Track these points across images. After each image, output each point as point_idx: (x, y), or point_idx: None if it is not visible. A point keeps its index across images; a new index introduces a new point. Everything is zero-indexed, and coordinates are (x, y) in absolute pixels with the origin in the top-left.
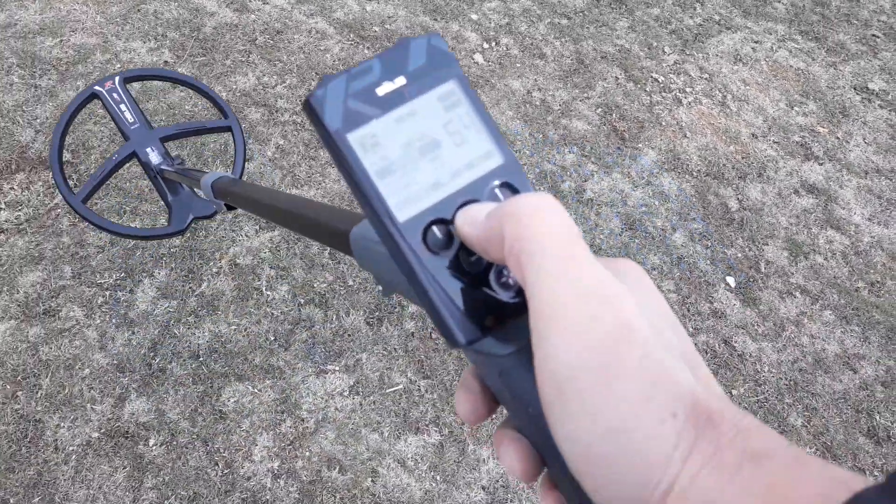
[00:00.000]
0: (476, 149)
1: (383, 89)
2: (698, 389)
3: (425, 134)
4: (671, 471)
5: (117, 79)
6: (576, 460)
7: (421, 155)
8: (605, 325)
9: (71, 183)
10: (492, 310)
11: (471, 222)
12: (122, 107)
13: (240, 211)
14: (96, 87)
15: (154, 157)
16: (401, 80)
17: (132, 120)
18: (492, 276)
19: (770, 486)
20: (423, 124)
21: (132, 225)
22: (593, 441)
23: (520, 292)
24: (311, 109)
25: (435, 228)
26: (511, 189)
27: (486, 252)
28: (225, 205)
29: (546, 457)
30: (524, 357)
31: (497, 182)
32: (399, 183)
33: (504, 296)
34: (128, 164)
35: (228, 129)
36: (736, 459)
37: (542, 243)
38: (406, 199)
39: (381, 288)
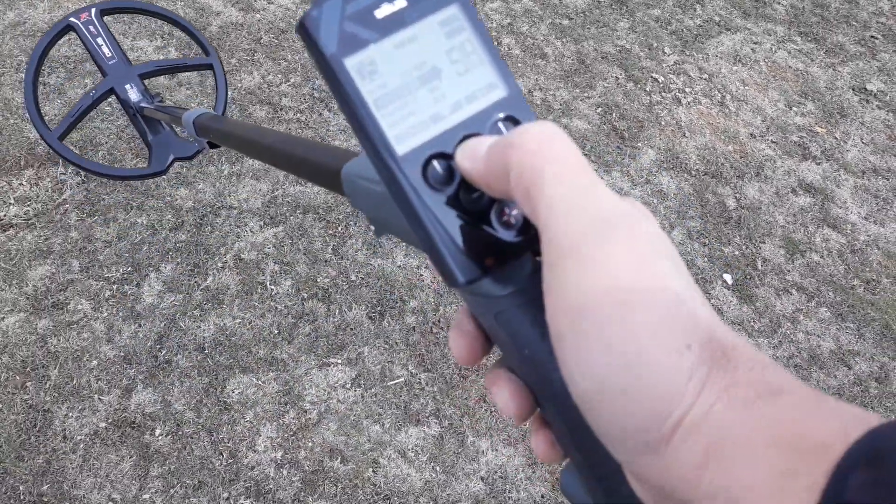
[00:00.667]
0: (479, 79)
1: (382, 11)
2: (714, 322)
3: (426, 61)
4: (684, 403)
5: (93, 10)
6: (585, 394)
7: (421, 84)
8: (623, 253)
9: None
10: (492, 249)
11: (471, 156)
12: (100, 41)
13: (245, 207)
14: (71, 19)
15: (133, 95)
16: (401, 2)
17: (110, 55)
18: (493, 215)
19: (785, 419)
20: (423, 51)
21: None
22: (606, 372)
23: (521, 231)
24: (305, 31)
25: (435, 163)
26: (515, 123)
27: (489, 187)
28: (208, 143)
29: (540, 396)
30: (521, 298)
31: (501, 115)
32: (398, 113)
33: (505, 235)
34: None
35: (209, 66)
36: (751, 393)
37: (552, 172)
38: (405, 131)
39: (373, 229)
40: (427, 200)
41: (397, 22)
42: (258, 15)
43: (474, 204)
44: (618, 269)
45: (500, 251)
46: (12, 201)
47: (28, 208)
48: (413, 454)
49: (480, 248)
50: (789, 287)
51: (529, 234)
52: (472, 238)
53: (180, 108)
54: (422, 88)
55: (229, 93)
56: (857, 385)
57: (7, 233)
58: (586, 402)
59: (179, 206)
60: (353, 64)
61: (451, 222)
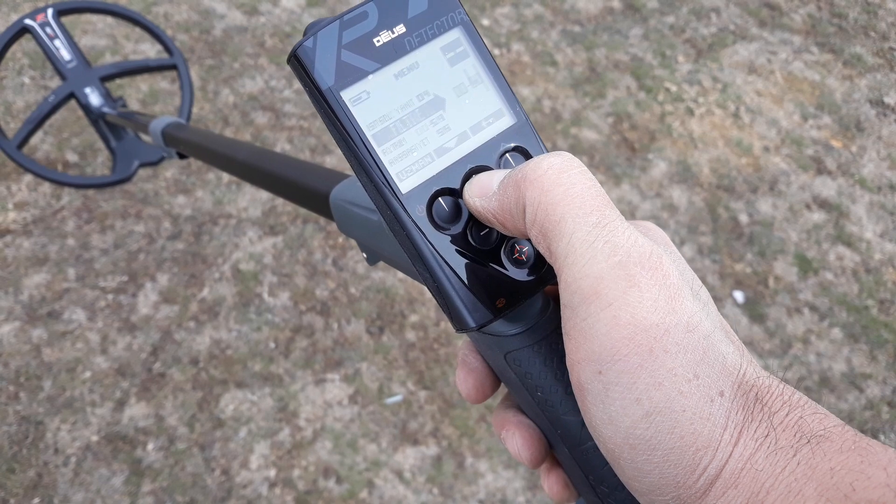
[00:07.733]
0: (484, 108)
1: (381, 39)
2: (744, 364)
3: (428, 91)
4: (720, 455)
5: (50, 11)
6: (614, 446)
7: (423, 115)
8: (647, 295)
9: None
10: (504, 290)
11: (482, 193)
12: (57, 43)
13: (244, 216)
14: (27, 21)
15: (94, 99)
16: (400, 29)
17: (69, 58)
18: (503, 253)
19: (830, 470)
20: (425, 79)
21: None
22: (636, 424)
23: (533, 269)
24: (298, 63)
25: (441, 200)
26: (524, 154)
27: (503, 225)
28: (177, 153)
29: (553, 439)
30: (532, 337)
31: (509, 146)
32: (400, 148)
33: (517, 274)
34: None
35: (173, 66)
36: (791, 441)
37: (571, 209)
38: (408, 167)
39: (365, 256)
40: (433, 241)
41: (397, 49)
42: (262, 18)
43: (483, 242)
44: (643, 313)
45: (512, 291)
46: (11, 207)
47: (26, 214)
48: (410, 475)
49: (491, 289)
50: (801, 306)
51: (542, 272)
52: (483, 279)
53: (145, 115)
54: (424, 120)
55: (233, 99)
56: (869, 409)
57: (4, 238)
58: (613, 455)
59: (178, 214)
60: (350, 97)
61: (459, 263)
